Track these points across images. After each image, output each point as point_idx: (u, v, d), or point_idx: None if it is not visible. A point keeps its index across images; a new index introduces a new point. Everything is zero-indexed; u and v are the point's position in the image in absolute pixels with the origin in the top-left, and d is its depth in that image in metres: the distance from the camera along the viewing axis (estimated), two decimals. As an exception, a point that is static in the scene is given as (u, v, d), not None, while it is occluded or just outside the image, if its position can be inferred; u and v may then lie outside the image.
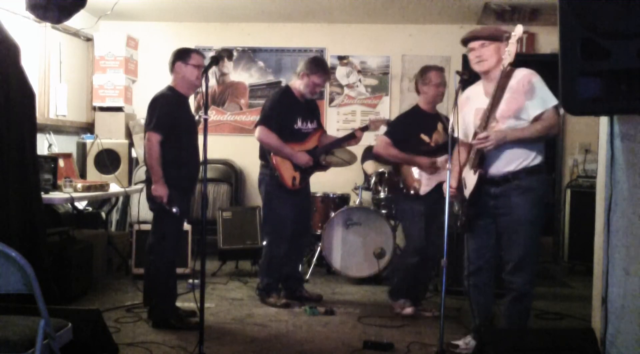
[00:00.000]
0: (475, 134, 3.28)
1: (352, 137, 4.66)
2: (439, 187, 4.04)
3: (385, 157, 4.35)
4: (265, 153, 4.52)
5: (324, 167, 4.73)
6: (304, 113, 4.58)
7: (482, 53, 3.34)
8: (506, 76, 3.26)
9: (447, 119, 4.34)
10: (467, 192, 3.37)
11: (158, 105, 3.91)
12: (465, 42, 3.45)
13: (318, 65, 4.51)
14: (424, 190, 4.20)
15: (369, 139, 5.48)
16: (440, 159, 4.12)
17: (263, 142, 4.48)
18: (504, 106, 3.25)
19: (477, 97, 3.44)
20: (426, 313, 4.36)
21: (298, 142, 4.53)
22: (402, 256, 4.55)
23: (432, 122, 4.32)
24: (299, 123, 4.55)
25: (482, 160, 3.30)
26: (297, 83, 4.56)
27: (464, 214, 3.40)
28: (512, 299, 3.33)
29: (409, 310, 4.33)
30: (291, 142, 4.49)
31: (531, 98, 3.22)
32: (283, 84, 6.84)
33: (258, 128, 4.46)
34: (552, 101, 3.19)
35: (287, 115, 4.50)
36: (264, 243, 4.74)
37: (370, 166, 5.86)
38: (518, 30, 3.19)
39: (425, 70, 4.32)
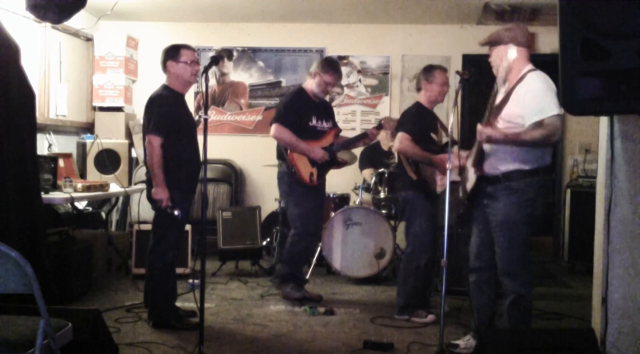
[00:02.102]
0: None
1: (367, 136, 4.73)
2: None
3: (411, 154, 4.17)
4: (282, 151, 4.56)
5: (339, 164, 4.78)
6: (318, 112, 4.65)
7: (491, 58, 3.35)
8: (520, 79, 3.26)
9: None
10: (469, 186, 3.40)
11: (155, 106, 3.85)
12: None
13: (329, 65, 4.61)
14: (439, 189, 4.18)
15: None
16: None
17: (278, 138, 4.53)
18: (508, 108, 3.25)
19: (496, 98, 3.44)
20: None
21: (314, 140, 4.58)
22: (409, 260, 4.24)
23: (434, 121, 4.34)
24: (314, 121, 4.60)
25: (481, 157, 3.30)
26: (310, 83, 4.63)
27: (460, 208, 3.43)
28: (510, 303, 3.31)
29: (431, 317, 4.17)
30: (307, 139, 4.53)
31: (530, 105, 3.16)
32: (283, 84, 6.88)
33: (273, 126, 4.50)
34: (552, 111, 3.08)
35: (302, 113, 4.55)
36: (291, 234, 4.67)
37: (369, 173, 5.84)
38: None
39: (430, 68, 4.33)
